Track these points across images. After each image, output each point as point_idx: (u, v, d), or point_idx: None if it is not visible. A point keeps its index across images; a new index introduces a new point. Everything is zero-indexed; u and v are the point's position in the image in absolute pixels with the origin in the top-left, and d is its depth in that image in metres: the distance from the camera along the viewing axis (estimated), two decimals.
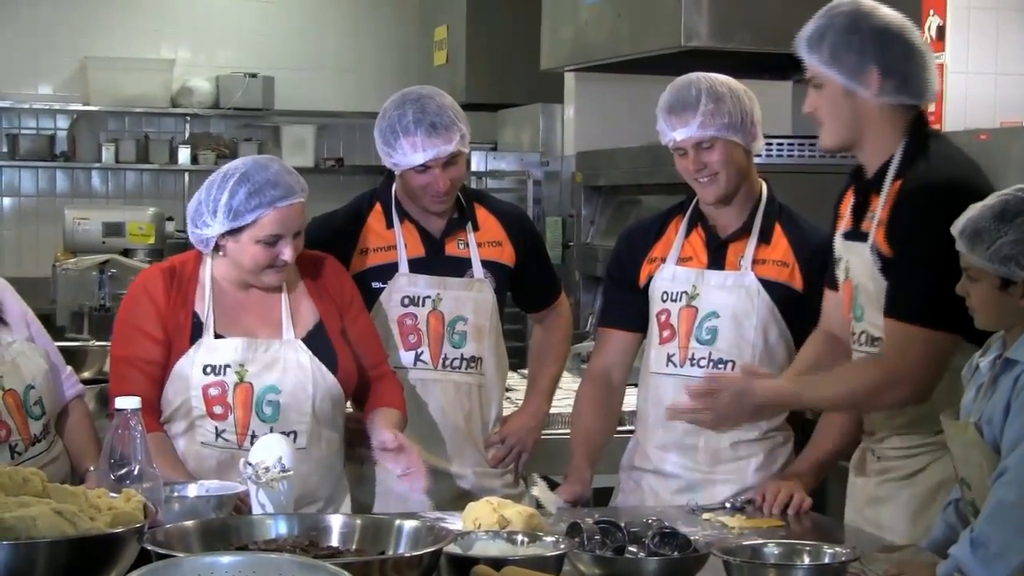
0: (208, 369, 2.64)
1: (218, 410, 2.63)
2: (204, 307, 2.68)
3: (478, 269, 3.05)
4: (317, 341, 2.71)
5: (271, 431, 2.60)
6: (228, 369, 2.64)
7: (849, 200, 2.60)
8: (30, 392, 2.63)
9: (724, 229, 2.90)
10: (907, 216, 2.41)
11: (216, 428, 2.64)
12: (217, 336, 2.67)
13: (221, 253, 2.68)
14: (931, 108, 3.65)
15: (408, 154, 2.90)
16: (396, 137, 2.90)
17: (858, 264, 2.54)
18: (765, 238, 2.87)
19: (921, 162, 2.46)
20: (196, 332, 2.67)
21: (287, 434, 2.61)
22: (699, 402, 2.56)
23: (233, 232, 2.62)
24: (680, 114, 2.79)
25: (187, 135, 7.76)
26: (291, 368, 2.66)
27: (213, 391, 2.64)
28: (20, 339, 2.68)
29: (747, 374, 2.63)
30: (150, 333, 2.66)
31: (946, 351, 2.39)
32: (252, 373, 2.64)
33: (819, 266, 2.82)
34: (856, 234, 2.55)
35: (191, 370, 2.65)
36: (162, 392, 2.69)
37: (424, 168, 2.91)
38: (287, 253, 2.63)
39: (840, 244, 2.61)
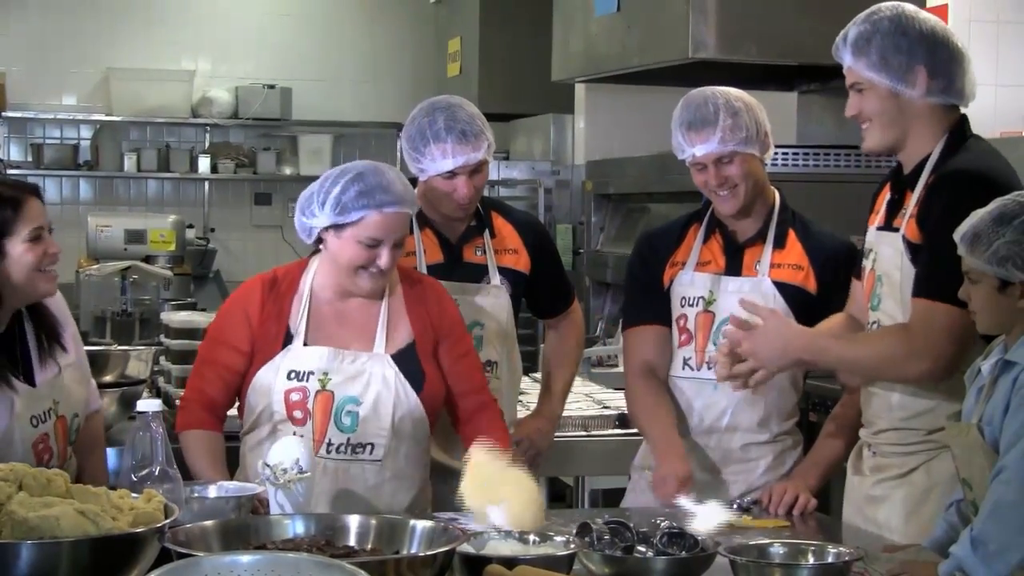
0: (292, 375, 2.66)
1: (298, 415, 2.65)
2: (298, 319, 2.70)
3: (495, 276, 3.08)
4: (407, 359, 2.71)
5: (348, 442, 2.64)
6: (311, 376, 2.66)
7: (885, 196, 2.62)
8: (75, 420, 2.69)
9: (741, 235, 2.93)
10: (939, 201, 2.42)
11: (296, 434, 2.62)
12: (306, 345, 2.68)
13: (322, 247, 2.69)
14: None
15: (437, 160, 2.93)
16: (426, 143, 2.93)
17: (886, 254, 2.55)
18: (780, 244, 2.90)
19: (958, 155, 2.48)
20: (287, 342, 2.69)
21: (364, 446, 2.65)
22: (740, 332, 2.56)
23: (337, 227, 2.63)
24: (699, 130, 2.79)
25: (207, 144, 7.83)
26: (375, 382, 2.67)
27: (295, 396, 2.66)
28: (73, 362, 2.71)
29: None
30: (237, 346, 2.70)
31: (968, 329, 2.38)
32: (335, 382, 2.66)
33: (832, 270, 2.86)
34: (889, 228, 2.57)
35: (276, 375, 2.67)
36: (234, 397, 2.73)
37: (451, 175, 2.94)
38: (384, 259, 2.63)
39: (872, 235, 2.62)
